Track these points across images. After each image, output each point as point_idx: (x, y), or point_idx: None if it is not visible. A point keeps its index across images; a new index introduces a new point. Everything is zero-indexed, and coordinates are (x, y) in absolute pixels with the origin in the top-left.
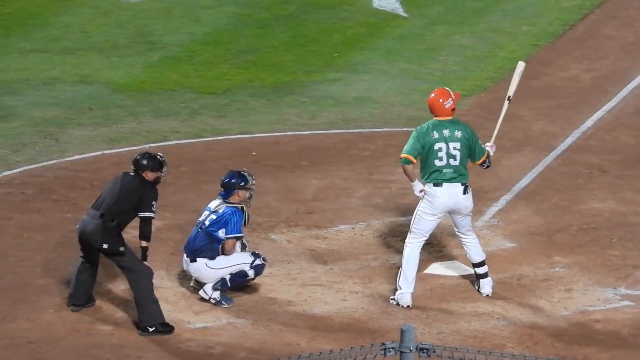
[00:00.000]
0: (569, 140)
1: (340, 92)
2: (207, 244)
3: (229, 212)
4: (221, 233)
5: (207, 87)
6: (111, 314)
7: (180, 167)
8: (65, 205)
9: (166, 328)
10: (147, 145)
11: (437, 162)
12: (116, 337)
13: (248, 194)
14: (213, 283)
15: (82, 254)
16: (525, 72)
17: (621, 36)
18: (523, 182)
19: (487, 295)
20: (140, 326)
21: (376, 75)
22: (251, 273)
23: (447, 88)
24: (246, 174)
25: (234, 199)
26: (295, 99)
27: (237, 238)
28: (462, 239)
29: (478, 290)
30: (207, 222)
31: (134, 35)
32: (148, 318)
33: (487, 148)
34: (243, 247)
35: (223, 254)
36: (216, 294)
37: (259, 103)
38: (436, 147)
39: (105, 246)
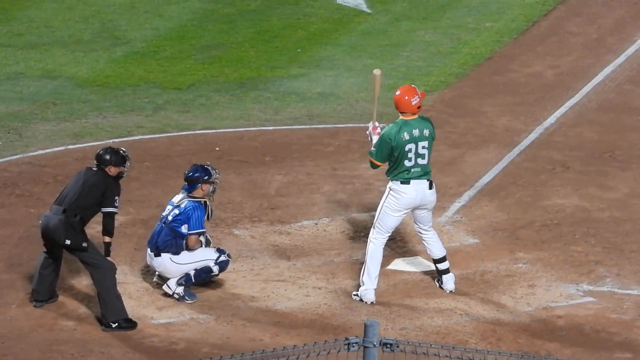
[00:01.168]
0: (532, 136)
1: (304, 87)
2: (171, 239)
3: (191, 207)
4: (184, 229)
5: (172, 83)
6: (74, 309)
7: (144, 162)
8: (29, 200)
9: (129, 324)
10: (111, 141)
11: (407, 163)
12: (79, 333)
13: (212, 188)
14: (177, 278)
15: (45, 250)
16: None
17: (584, 33)
18: (486, 178)
19: (450, 291)
20: (103, 322)
21: (340, 71)
22: (216, 269)
23: (413, 85)
24: (210, 168)
25: (198, 193)
26: (260, 94)
27: (199, 234)
28: (423, 236)
29: (440, 287)
30: (170, 217)
31: (98, 30)
32: (111, 313)
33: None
34: (207, 243)
35: (187, 249)
36: (180, 289)
37: (223, 98)
38: (407, 148)
39: (68, 242)
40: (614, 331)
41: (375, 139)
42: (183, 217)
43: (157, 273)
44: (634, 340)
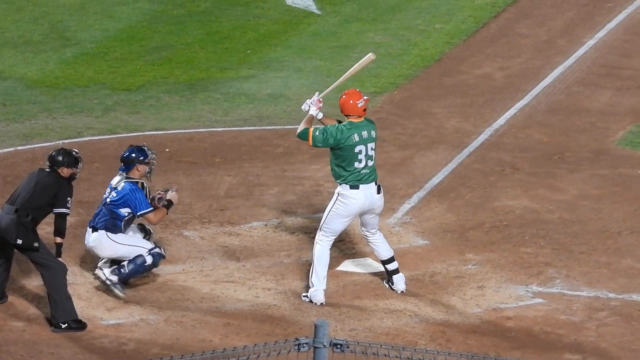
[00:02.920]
0: (481, 138)
1: (254, 89)
2: (108, 219)
3: (128, 189)
4: (124, 211)
5: (121, 84)
6: (24, 310)
7: (94, 164)
8: None
9: (79, 325)
10: (60, 142)
11: (357, 164)
12: (29, 334)
13: (148, 168)
14: (112, 268)
15: None
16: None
17: (534, 34)
18: (436, 180)
19: (402, 291)
20: (52, 322)
21: (290, 72)
22: (149, 259)
23: (357, 89)
24: (146, 149)
25: (134, 174)
26: (209, 95)
27: (152, 209)
28: (369, 238)
29: (391, 288)
30: (108, 200)
31: (48, 31)
32: (61, 314)
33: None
34: (148, 233)
35: (112, 226)
36: (114, 278)
37: (173, 99)
38: (357, 149)
39: (19, 241)
40: (563, 333)
41: (313, 111)
42: (122, 199)
43: (98, 265)
44: (583, 341)
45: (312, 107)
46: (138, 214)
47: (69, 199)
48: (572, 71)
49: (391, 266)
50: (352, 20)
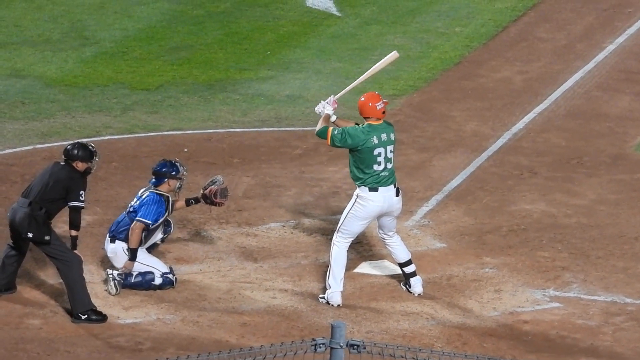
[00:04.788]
0: (500, 142)
1: (272, 90)
2: (127, 228)
3: (150, 198)
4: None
5: (140, 83)
6: (40, 308)
7: (112, 163)
8: None
9: (99, 316)
10: (79, 141)
11: (376, 167)
12: (45, 332)
13: (178, 184)
14: (120, 271)
15: (11, 241)
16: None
17: (554, 39)
18: (454, 183)
19: (419, 294)
20: (73, 314)
21: (309, 74)
22: (158, 281)
23: (376, 92)
24: (178, 164)
25: (164, 187)
26: (228, 96)
27: (145, 227)
28: (386, 241)
29: (408, 290)
30: (131, 208)
31: (67, 30)
32: (79, 305)
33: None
34: (167, 230)
35: (128, 238)
36: (116, 274)
37: (192, 100)
38: (376, 152)
39: (30, 235)
40: (580, 337)
41: (329, 110)
42: (141, 207)
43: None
44: (599, 346)
45: (328, 106)
46: (137, 218)
47: (82, 192)
48: (591, 76)
49: (408, 269)
50: (371, 22)
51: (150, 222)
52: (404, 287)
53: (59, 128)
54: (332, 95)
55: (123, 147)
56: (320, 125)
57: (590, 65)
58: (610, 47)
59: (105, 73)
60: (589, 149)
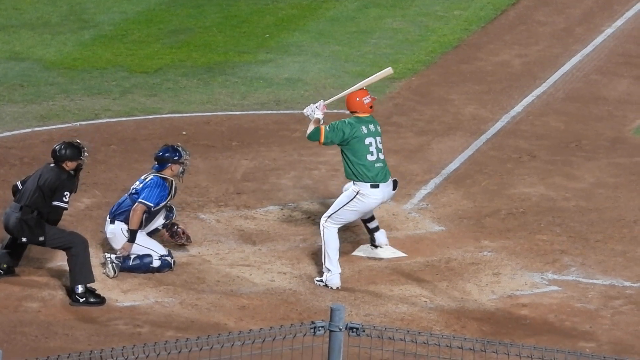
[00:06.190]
0: (499, 125)
1: (271, 73)
2: (128, 210)
3: (154, 181)
4: None
5: (139, 66)
6: (38, 291)
7: (110, 146)
8: None
9: (97, 299)
10: (77, 123)
11: (369, 157)
12: (43, 315)
13: (181, 168)
14: (118, 254)
15: (9, 241)
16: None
17: (552, 22)
18: (453, 166)
19: (386, 244)
20: (71, 296)
21: (308, 57)
22: (156, 263)
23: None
24: (180, 149)
25: (166, 172)
26: (227, 79)
27: (146, 208)
28: None
29: (373, 245)
30: (133, 190)
31: (66, 13)
32: (81, 277)
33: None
34: (169, 215)
35: (129, 219)
36: (114, 257)
37: (191, 83)
38: (367, 142)
39: (24, 239)
40: (578, 320)
41: (318, 114)
42: (143, 189)
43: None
44: (598, 329)
45: (317, 111)
46: (139, 199)
47: (66, 193)
48: (590, 59)
49: (372, 224)
50: (370, 5)
51: (152, 204)
52: (370, 244)
53: (58, 111)
54: (321, 100)
55: (122, 130)
56: (311, 127)
57: (589, 48)
58: (609, 31)
59: (104, 56)
60: (587, 132)
